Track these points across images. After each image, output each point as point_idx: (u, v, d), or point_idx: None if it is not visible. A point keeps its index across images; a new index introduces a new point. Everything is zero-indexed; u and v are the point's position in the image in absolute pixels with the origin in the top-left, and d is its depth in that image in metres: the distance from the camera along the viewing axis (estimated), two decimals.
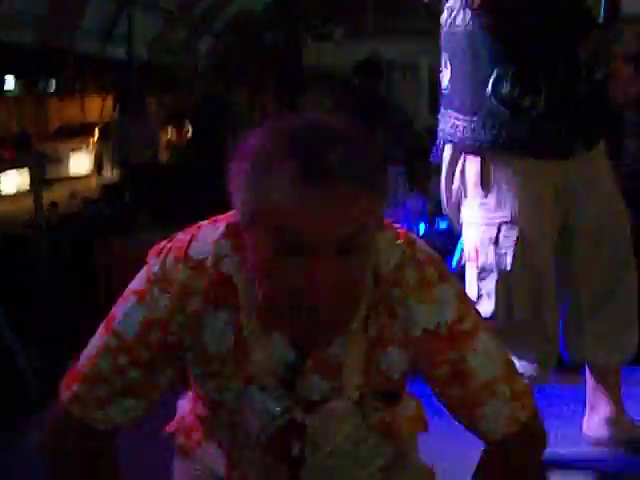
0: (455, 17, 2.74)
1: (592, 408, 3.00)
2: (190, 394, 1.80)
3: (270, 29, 18.85)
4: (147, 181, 8.90)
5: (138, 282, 1.59)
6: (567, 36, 2.71)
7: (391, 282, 1.55)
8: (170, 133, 12.71)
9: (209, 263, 1.53)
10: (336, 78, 15.26)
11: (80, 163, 19.06)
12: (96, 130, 19.29)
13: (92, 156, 19.01)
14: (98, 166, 18.40)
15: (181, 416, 1.85)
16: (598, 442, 2.98)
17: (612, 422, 2.95)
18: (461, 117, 2.76)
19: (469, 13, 2.70)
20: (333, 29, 18.75)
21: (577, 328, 2.93)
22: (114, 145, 11.07)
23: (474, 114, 2.71)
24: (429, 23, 2.84)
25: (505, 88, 2.68)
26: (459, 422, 1.66)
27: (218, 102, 10.72)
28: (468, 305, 1.64)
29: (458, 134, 2.77)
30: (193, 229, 1.60)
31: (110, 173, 14.67)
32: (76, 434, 1.62)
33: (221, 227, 1.57)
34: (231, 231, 1.54)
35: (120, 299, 1.60)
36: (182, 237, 1.59)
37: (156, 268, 1.56)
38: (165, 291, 1.54)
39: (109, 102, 15.88)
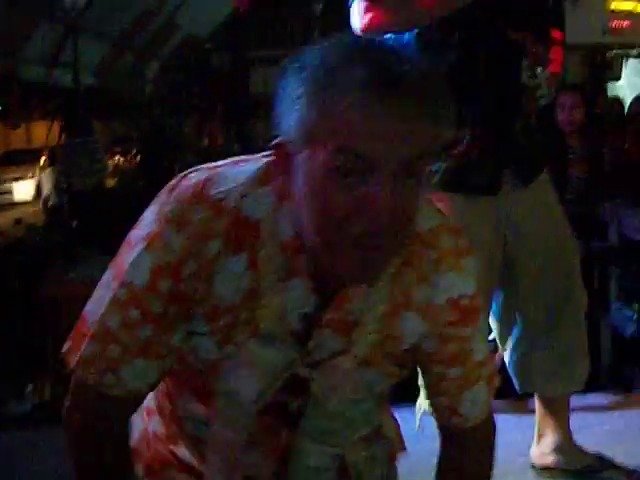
0: None
1: (540, 436, 3.00)
2: (148, 405, 1.67)
3: (217, 54, 18.87)
4: (94, 207, 8.83)
5: (146, 225, 1.46)
6: (504, 66, 2.69)
7: (426, 243, 1.49)
8: (117, 158, 12.66)
9: (231, 202, 1.41)
10: None
11: (25, 190, 18.87)
12: (42, 156, 19.13)
13: (37, 183, 18.84)
14: (42, 193, 18.24)
15: (137, 437, 1.71)
16: (546, 470, 2.98)
17: (560, 450, 2.94)
18: None
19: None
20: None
21: (524, 358, 2.93)
22: (60, 171, 10.98)
23: None
24: None
25: None
26: (439, 406, 1.62)
27: (166, 128, 10.71)
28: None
29: None
30: (209, 167, 1.49)
31: (56, 200, 14.53)
32: (87, 399, 1.50)
33: (243, 165, 1.47)
34: (259, 167, 1.45)
35: (125, 247, 1.48)
36: (198, 175, 1.46)
37: (170, 207, 1.43)
38: (180, 232, 1.40)
39: (55, 128, 15.72)
